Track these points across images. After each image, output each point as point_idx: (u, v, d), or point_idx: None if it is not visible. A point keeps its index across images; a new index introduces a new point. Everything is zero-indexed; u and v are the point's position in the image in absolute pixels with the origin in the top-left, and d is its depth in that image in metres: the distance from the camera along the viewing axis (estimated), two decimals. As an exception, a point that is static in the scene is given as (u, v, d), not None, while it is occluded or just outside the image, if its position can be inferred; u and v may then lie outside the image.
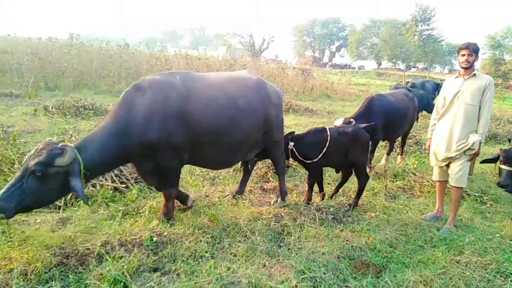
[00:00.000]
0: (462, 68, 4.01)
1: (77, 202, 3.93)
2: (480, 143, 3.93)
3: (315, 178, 4.53)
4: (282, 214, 4.04)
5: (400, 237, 3.75)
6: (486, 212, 4.62)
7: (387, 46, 43.78)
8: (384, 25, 56.24)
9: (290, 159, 4.51)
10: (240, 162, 4.51)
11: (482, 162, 4.73)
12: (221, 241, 3.36)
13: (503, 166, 4.37)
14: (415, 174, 5.48)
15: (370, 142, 5.99)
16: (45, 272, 2.72)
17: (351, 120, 5.22)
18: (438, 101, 4.30)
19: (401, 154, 6.73)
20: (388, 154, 6.53)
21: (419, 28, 43.04)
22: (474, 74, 4.00)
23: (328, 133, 4.31)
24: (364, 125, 4.73)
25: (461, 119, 3.95)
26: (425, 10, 42.01)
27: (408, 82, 14.97)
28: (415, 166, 5.71)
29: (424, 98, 10.57)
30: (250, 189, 4.82)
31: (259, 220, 3.83)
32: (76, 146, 3.07)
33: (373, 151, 6.03)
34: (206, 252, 3.15)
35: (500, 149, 4.64)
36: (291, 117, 11.00)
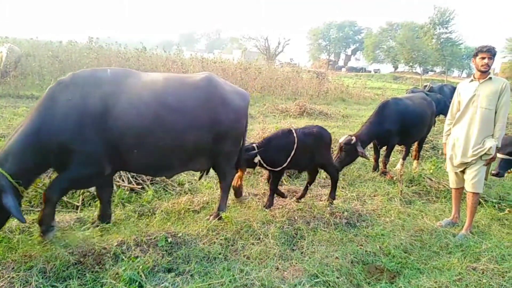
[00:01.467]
0: (481, 71, 3.94)
1: (95, 202, 4.02)
2: (496, 147, 3.86)
3: (279, 181, 4.40)
4: (296, 218, 4.05)
5: (415, 242, 3.71)
6: (504, 219, 4.52)
7: (404, 49, 43.18)
8: (401, 28, 55.57)
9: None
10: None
11: None
12: (234, 243, 3.39)
13: (499, 155, 4.34)
14: (431, 179, 5.40)
15: (386, 147, 5.99)
16: (63, 271, 2.79)
17: (352, 138, 5.23)
18: (453, 106, 4.26)
19: (417, 159, 6.63)
20: (404, 158, 6.45)
21: (437, 31, 42.38)
22: (490, 78, 3.93)
23: (295, 135, 4.18)
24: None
25: (477, 124, 3.91)
26: (444, 12, 41.35)
27: (426, 86, 14.74)
28: (431, 171, 5.62)
29: (442, 102, 10.37)
30: (264, 192, 4.83)
31: (272, 223, 3.84)
32: None
33: (388, 156, 5.98)
34: (220, 254, 3.19)
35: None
36: (305, 120, 10.97)
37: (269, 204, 4.26)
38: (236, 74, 17.48)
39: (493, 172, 4.59)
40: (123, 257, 2.98)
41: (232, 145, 3.72)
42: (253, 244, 3.38)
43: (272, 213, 4.09)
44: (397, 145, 6.49)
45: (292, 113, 11.80)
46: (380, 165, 5.99)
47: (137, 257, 3.01)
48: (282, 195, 4.53)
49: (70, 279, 2.73)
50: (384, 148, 6.06)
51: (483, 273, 3.18)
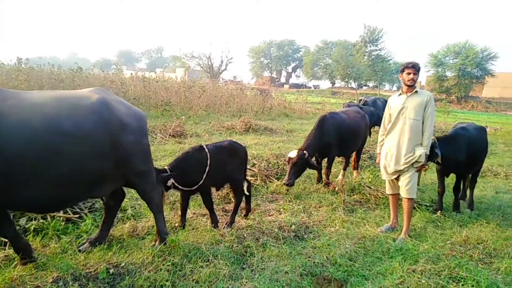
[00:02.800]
0: (407, 85, 4.28)
1: (26, 237, 3.66)
2: (426, 155, 4.21)
3: (210, 198, 4.27)
4: (245, 235, 4.02)
5: (359, 250, 3.86)
6: (437, 221, 4.88)
7: (339, 66, 46.00)
8: (336, 46, 59.17)
9: None
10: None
11: None
12: (182, 267, 3.27)
13: None
14: (370, 188, 5.71)
15: (327, 159, 6.25)
16: (-12, 316, 2.49)
17: (305, 152, 5.48)
18: (385, 118, 4.58)
19: (357, 169, 6.99)
20: (344, 169, 6.77)
21: (368, 48, 45.86)
22: (416, 91, 4.27)
23: (207, 151, 4.10)
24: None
25: (407, 134, 4.22)
26: (373, 31, 44.96)
27: (360, 100, 15.73)
28: (370, 179, 5.94)
29: (375, 115, 11.16)
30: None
31: (221, 243, 3.78)
32: None
33: (330, 167, 6.24)
34: (167, 281, 3.04)
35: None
36: (251, 136, 11.11)
37: (215, 223, 4.18)
38: (180, 92, 17.27)
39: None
40: (59, 295, 2.73)
41: (142, 164, 3.50)
42: (202, 267, 3.28)
43: (220, 233, 4.03)
44: (337, 157, 6.80)
45: (238, 130, 11.89)
46: (323, 176, 6.21)
47: (75, 293, 2.78)
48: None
49: (-4, 326, 2.44)
50: (325, 160, 6.31)
51: (422, 274, 3.37)
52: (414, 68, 4.22)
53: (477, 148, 5.31)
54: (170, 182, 3.83)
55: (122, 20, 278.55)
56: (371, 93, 42.25)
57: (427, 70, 46.76)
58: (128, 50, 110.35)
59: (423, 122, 4.23)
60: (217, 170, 4.09)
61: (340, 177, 6.65)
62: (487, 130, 15.42)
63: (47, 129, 2.79)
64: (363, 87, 57.40)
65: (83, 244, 3.57)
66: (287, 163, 5.65)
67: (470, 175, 5.71)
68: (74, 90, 12.62)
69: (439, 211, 5.10)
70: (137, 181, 3.54)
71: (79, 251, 3.43)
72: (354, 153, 6.95)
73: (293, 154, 5.53)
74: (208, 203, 4.21)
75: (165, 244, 3.57)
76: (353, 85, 49.24)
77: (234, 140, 4.64)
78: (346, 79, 48.18)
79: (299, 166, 5.50)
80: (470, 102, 42.60)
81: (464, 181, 5.86)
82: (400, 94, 4.40)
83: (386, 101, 16.37)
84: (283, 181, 5.49)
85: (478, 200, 5.84)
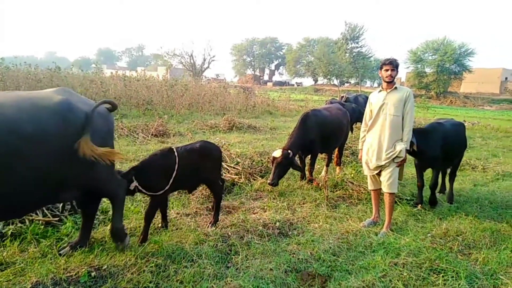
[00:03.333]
0: (386, 82, 4.34)
1: (3, 242, 3.55)
2: (406, 150, 4.29)
3: (157, 208, 3.95)
4: (229, 234, 4.02)
5: (342, 245, 3.91)
6: (418, 215, 4.98)
7: (322, 63, 46.41)
8: (318, 44, 59.67)
9: None
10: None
11: None
12: (166, 268, 3.23)
13: None
14: (352, 183, 5.78)
15: (310, 156, 6.29)
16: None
17: (289, 152, 5.47)
18: (366, 114, 4.64)
19: (339, 165, 7.07)
20: (327, 165, 6.83)
21: (350, 46, 46.35)
22: (396, 88, 4.35)
23: (176, 154, 3.85)
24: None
25: (387, 130, 4.30)
26: (354, 28, 45.45)
27: (342, 96, 15.91)
28: (352, 175, 6.02)
29: (357, 111, 11.35)
30: (196, 211, 4.73)
31: (205, 242, 3.76)
32: None
33: (313, 164, 6.29)
34: (150, 282, 3.01)
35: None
36: (235, 134, 11.08)
37: (144, 238, 3.72)
38: (162, 91, 17.09)
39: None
40: (39, 301, 2.67)
41: (104, 169, 3.28)
42: (186, 267, 3.26)
43: (205, 232, 4.01)
44: (320, 154, 6.86)
45: (221, 128, 11.85)
46: (307, 173, 6.25)
47: (55, 298, 2.72)
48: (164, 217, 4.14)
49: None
50: (309, 157, 6.36)
51: (403, 267, 3.44)
52: (392, 64, 4.27)
53: (453, 143, 5.40)
54: (133, 185, 3.62)
55: (101, 18, 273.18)
56: (353, 90, 42.80)
57: (406, 67, 47.80)
58: (108, 48, 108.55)
59: (403, 118, 4.30)
60: (187, 174, 3.90)
61: (323, 173, 6.71)
62: (465, 124, 15.80)
63: (6, 131, 2.64)
64: (345, 84, 58.04)
65: (64, 248, 3.49)
66: (271, 162, 5.64)
67: (449, 170, 5.87)
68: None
69: (419, 205, 5.21)
70: (101, 185, 3.38)
71: (60, 255, 3.35)
72: (337, 149, 7.01)
73: (277, 153, 5.52)
74: (152, 211, 3.83)
75: (126, 243, 3.52)
76: (335, 82, 49.77)
77: (207, 140, 4.54)
78: (329, 76, 48.65)
79: (283, 166, 5.49)
80: (449, 97, 43.74)
81: (444, 175, 6.00)
82: (380, 90, 4.46)
83: (367, 98, 16.65)
84: (268, 181, 5.49)
85: (457, 193, 6.00)
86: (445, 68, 43.29)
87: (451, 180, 5.80)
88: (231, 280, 3.09)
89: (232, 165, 6.34)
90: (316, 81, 63.52)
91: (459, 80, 46.44)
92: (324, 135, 6.14)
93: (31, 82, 14.31)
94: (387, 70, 4.28)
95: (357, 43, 46.57)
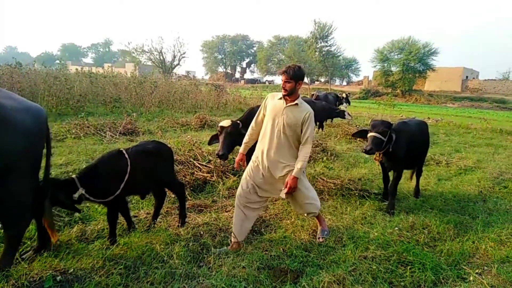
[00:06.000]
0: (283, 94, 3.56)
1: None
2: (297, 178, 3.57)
3: (119, 212, 3.75)
4: (202, 233, 3.97)
5: (314, 240, 3.96)
6: (385, 209, 5.13)
7: (292, 62, 46.67)
8: (288, 42, 60.22)
9: None
10: None
11: (353, 135, 5.34)
12: (136, 270, 3.14)
13: (370, 134, 4.79)
14: (323, 179, 5.87)
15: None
16: None
17: (239, 122, 5.11)
18: (259, 114, 3.83)
19: None
20: None
21: (319, 44, 47.09)
22: (297, 104, 3.53)
23: (127, 156, 3.59)
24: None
25: (273, 149, 3.59)
26: (323, 27, 46.19)
27: (313, 94, 16.16)
28: (322, 171, 6.11)
29: (327, 109, 11.61)
30: (167, 210, 4.63)
31: (177, 242, 3.68)
32: None
33: None
34: (120, 285, 2.92)
35: (371, 120, 5.33)
36: (207, 132, 10.96)
37: (113, 241, 3.59)
38: (130, 88, 16.62)
39: (365, 148, 4.71)
40: (-1, 309, 2.52)
41: (23, 180, 2.80)
42: (157, 268, 3.18)
43: (176, 231, 3.94)
44: None
45: (193, 126, 11.68)
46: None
47: (17, 305, 2.57)
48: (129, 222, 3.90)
49: None
50: None
51: (373, 260, 3.52)
52: (285, 74, 3.44)
53: (418, 142, 5.40)
54: (78, 193, 3.30)
55: (66, 11, 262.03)
56: (323, 88, 43.60)
57: (374, 66, 49.17)
58: (73, 44, 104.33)
59: (296, 139, 3.60)
60: (140, 177, 3.67)
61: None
62: (429, 121, 16.34)
63: None
64: (315, 82, 58.99)
65: (27, 251, 3.32)
66: (218, 133, 5.11)
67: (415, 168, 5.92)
68: (11, 87, 11.57)
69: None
70: (6, 202, 2.78)
71: (22, 259, 3.18)
72: None
73: (226, 123, 5.01)
74: (113, 216, 3.63)
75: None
76: (306, 80, 50.43)
77: (157, 140, 4.36)
78: (299, 75, 49.09)
79: (233, 137, 4.94)
80: (414, 95, 45.47)
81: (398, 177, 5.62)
82: (281, 98, 3.60)
83: (337, 96, 17.04)
84: (216, 152, 4.95)
85: (423, 188, 6.23)
86: (410, 67, 44.96)
87: (418, 176, 5.94)
88: (203, 280, 3.05)
89: (204, 163, 6.27)
90: (287, 79, 64.01)
91: (423, 79, 48.38)
92: None
93: (-12, 78, 13.49)
94: (282, 81, 3.50)
95: (327, 42, 47.44)
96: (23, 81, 14.29)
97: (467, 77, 54.55)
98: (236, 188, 5.57)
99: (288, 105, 3.55)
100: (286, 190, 3.56)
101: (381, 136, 4.72)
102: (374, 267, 3.40)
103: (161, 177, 4.02)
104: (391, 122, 4.85)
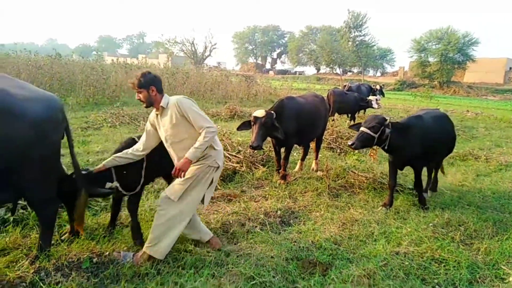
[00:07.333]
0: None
1: (5, 227, 3.56)
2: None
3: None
4: (231, 222, 4.02)
5: (344, 233, 3.91)
6: (420, 204, 4.96)
7: (324, 52, 46.02)
8: (320, 32, 59.09)
9: None
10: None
11: (350, 127, 5.08)
12: (167, 255, 3.24)
13: (361, 128, 4.49)
14: (354, 172, 5.75)
15: (284, 148, 5.67)
16: (-34, 310, 2.43)
17: (272, 112, 5.06)
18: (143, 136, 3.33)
19: (316, 159, 6.51)
20: (303, 159, 6.37)
21: (353, 34, 45.82)
22: (163, 107, 3.13)
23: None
24: None
25: (176, 159, 3.17)
26: (357, 16, 44.86)
27: (345, 86, 15.83)
28: (353, 164, 5.99)
29: (359, 100, 11.42)
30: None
31: (206, 229, 3.76)
32: None
33: (287, 158, 5.61)
34: (152, 268, 3.02)
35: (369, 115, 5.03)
36: (236, 123, 11.00)
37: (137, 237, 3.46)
38: (163, 79, 16.92)
39: (349, 142, 4.49)
40: (42, 285, 2.69)
41: (42, 170, 2.84)
42: (187, 254, 3.26)
43: (206, 219, 4.01)
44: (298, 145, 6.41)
45: (223, 116, 11.79)
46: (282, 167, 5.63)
47: (58, 283, 2.74)
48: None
49: (-25, 319, 2.38)
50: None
51: (405, 256, 3.44)
52: (134, 86, 3.11)
53: (436, 137, 4.81)
54: (114, 185, 3.24)
55: (102, 4, 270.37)
56: (356, 79, 42.52)
57: (410, 56, 47.26)
58: (109, 35, 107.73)
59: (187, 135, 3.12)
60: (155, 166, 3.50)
61: (297, 168, 6.31)
62: (468, 114, 15.60)
63: None
64: (348, 73, 57.63)
65: (66, 233, 3.50)
66: (252, 123, 5.03)
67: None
68: (51, 77, 12.09)
69: (384, 207, 4.69)
70: (30, 190, 2.88)
71: (62, 241, 3.36)
72: (314, 141, 6.45)
73: (260, 113, 4.91)
74: (135, 205, 3.51)
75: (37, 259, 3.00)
76: (338, 71, 49.41)
77: None
78: (331, 65, 48.24)
79: (267, 127, 4.91)
80: (452, 87, 43.35)
81: (430, 172, 5.33)
82: (157, 113, 3.21)
83: (370, 87, 16.58)
84: (249, 144, 4.87)
85: (460, 183, 5.99)
86: (448, 57, 42.78)
87: (437, 169, 5.49)
88: (232, 267, 3.10)
89: (233, 154, 6.32)
90: (318, 70, 63.05)
91: (462, 70, 45.92)
92: (300, 126, 5.49)
93: (31, 69, 14.20)
94: (137, 94, 3.16)
95: (360, 31, 46.03)
96: (62, 71, 14.95)
97: (510, 68, 51.30)
98: (266, 178, 5.63)
99: (159, 114, 3.16)
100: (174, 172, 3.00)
101: (370, 132, 4.37)
102: (407, 263, 3.31)
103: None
104: (386, 118, 4.48)
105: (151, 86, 3.08)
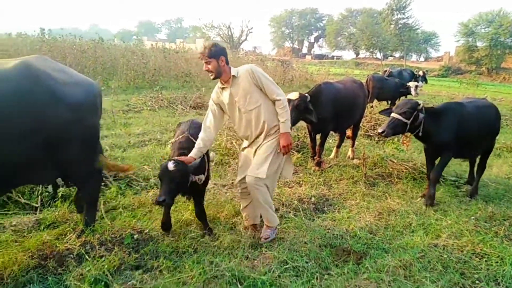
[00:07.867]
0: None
1: (54, 202, 3.83)
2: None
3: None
4: (264, 206, 4.05)
5: (380, 223, 3.84)
6: (462, 196, 4.76)
7: (364, 35, 44.31)
8: (361, 15, 56.80)
9: None
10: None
11: (380, 112, 4.83)
12: (204, 235, 3.35)
13: (392, 114, 4.27)
14: (393, 161, 5.58)
15: (320, 135, 5.61)
16: (23, 275, 2.66)
17: (306, 95, 4.96)
18: (207, 115, 3.35)
19: (352, 147, 6.35)
20: (338, 146, 6.26)
21: (395, 17, 43.76)
22: (234, 76, 3.13)
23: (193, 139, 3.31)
24: None
25: (252, 128, 3.22)
26: (401, -2, 42.68)
27: (385, 71, 15.24)
28: (392, 153, 5.81)
29: (399, 86, 10.99)
30: (232, 182, 4.80)
31: (240, 214, 3.83)
32: None
33: (322, 144, 5.58)
34: (189, 247, 3.14)
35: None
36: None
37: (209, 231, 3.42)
38: (200, 64, 17.08)
39: (379, 130, 4.26)
40: (87, 257, 2.88)
41: (80, 152, 2.95)
42: (223, 235, 3.36)
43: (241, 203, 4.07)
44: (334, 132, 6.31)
45: (258, 101, 11.78)
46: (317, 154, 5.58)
47: (102, 256, 2.92)
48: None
49: (30, 283, 2.61)
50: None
51: (444, 249, 3.34)
52: (203, 55, 3.09)
53: (475, 127, 4.43)
54: (201, 178, 3.18)
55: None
56: (397, 64, 40.69)
57: (457, 40, 44.44)
58: (148, 20, 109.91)
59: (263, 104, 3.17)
60: None
61: (332, 155, 6.21)
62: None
63: None
64: (389, 57, 55.26)
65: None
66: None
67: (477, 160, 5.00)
68: (95, 60, 12.55)
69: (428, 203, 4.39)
70: (72, 171, 3.05)
71: (105, 217, 3.57)
72: (351, 128, 6.29)
73: (294, 95, 4.75)
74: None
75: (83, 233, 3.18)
76: (378, 55, 47.57)
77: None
78: (371, 49, 46.46)
79: (300, 110, 4.81)
80: (502, 74, 40.39)
81: (472, 166, 5.09)
82: (223, 86, 3.21)
83: (412, 73, 15.83)
84: None
85: (506, 176, 5.66)
86: (499, 42, 39.73)
87: (479, 173, 4.94)
88: (266, 251, 3.15)
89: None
90: (357, 54, 60.97)
91: (514, 55, 42.68)
92: (337, 111, 5.40)
93: (76, 52, 14.86)
94: (204, 65, 3.12)
95: (404, 14, 43.80)
96: (104, 55, 15.54)
97: None
98: (300, 165, 5.61)
99: (229, 87, 3.14)
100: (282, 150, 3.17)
101: (401, 118, 4.14)
102: (445, 256, 3.21)
103: None
104: (419, 102, 4.22)
105: (221, 56, 3.08)
